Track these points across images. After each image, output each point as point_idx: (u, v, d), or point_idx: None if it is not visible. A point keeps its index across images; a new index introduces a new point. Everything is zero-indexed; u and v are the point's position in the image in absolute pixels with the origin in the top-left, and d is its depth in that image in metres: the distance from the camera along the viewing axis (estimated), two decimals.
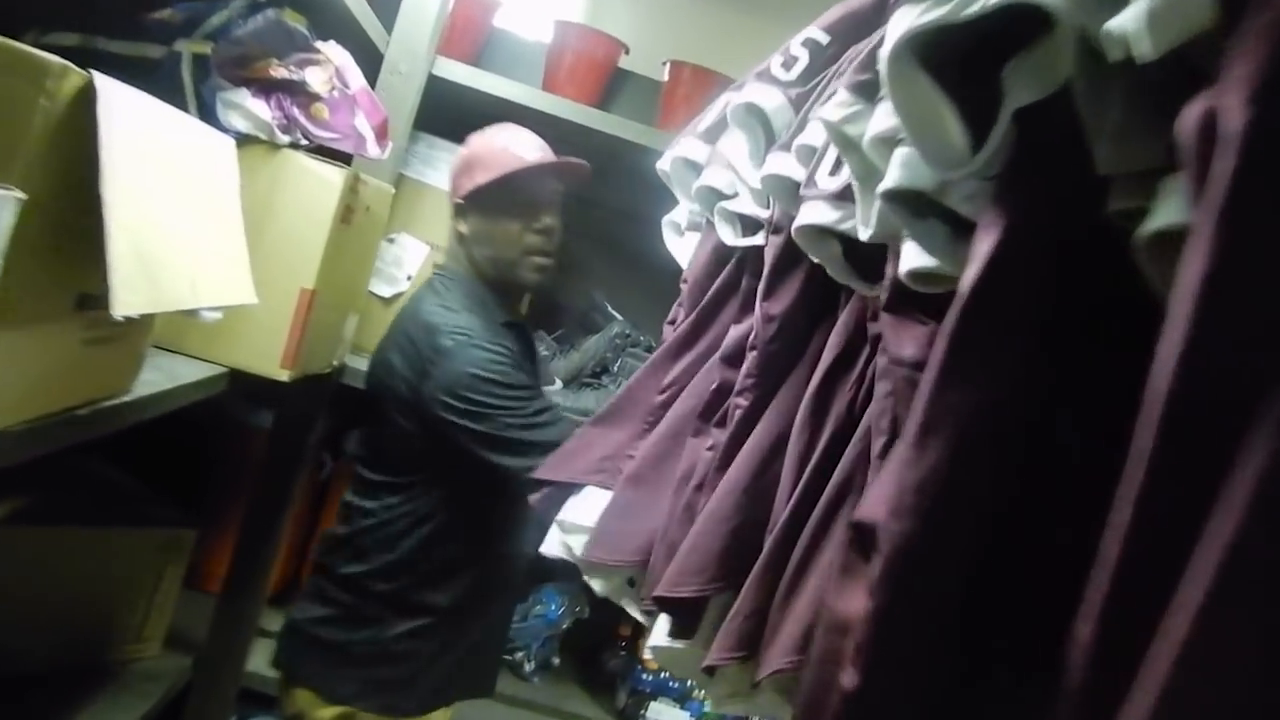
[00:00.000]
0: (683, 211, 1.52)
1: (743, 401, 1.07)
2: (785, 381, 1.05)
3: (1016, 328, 0.58)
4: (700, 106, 2.31)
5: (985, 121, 0.60)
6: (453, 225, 1.74)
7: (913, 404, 0.64)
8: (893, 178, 0.71)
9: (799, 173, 0.98)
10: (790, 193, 1.02)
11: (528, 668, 2.21)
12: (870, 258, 0.90)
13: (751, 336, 1.08)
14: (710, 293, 1.29)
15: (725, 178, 1.21)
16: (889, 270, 0.79)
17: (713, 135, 1.31)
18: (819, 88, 1.05)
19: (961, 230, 0.67)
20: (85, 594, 1.68)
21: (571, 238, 2.39)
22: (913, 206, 0.71)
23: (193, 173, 1.11)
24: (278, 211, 1.53)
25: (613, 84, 2.29)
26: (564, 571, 1.36)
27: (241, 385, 1.55)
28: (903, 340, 0.76)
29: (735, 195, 1.20)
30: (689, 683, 2.21)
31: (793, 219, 0.97)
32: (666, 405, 1.28)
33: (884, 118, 0.74)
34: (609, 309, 2.29)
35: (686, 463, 1.16)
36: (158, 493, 1.85)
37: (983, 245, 0.58)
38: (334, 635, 1.67)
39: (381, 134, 1.56)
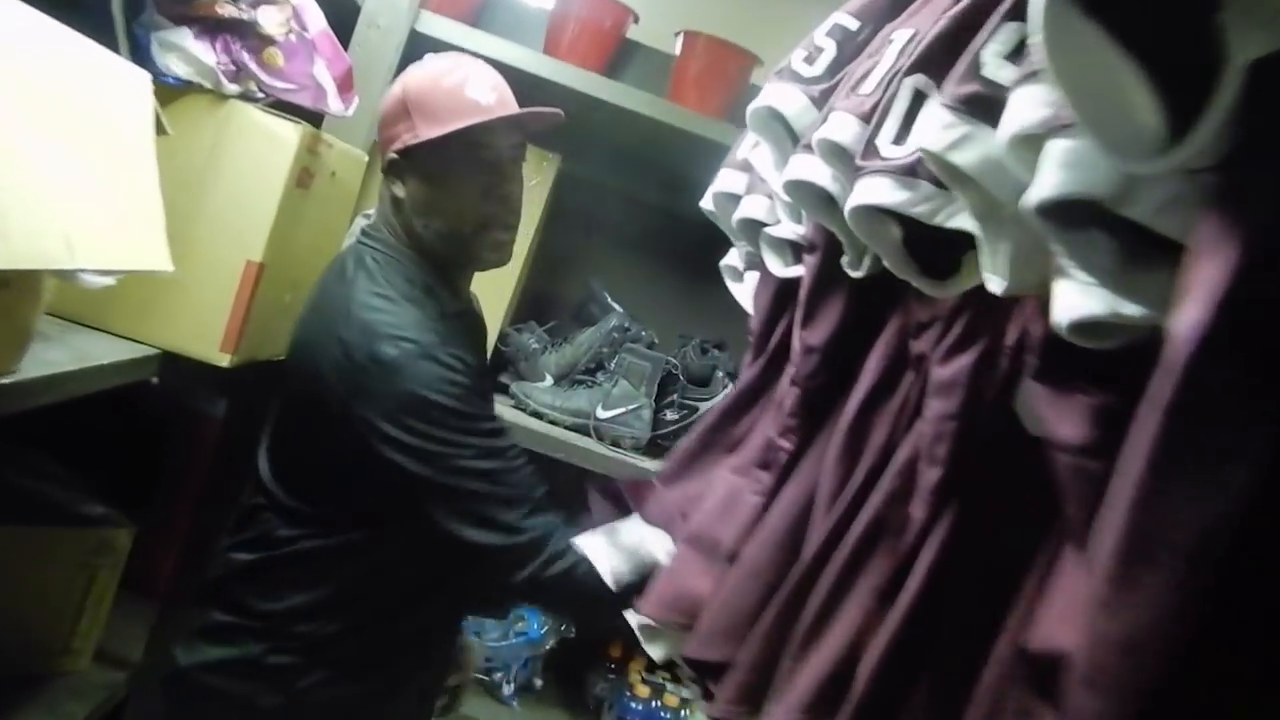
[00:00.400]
0: (738, 252, 1.33)
1: (786, 444, 0.98)
2: (830, 419, 0.94)
3: (1262, 396, 0.38)
4: (714, 83, 2.13)
5: (1192, 90, 0.41)
6: (384, 186, 1.35)
7: (1106, 517, 0.45)
8: (1049, 184, 0.51)
9: (824, 175, 0.87)
10: (819, 200, 0.90)
11: (506, 690, 2.02)
12: (936, 245, 0.77)
13: (792, 371, 0.98)
14: (777, 336, 1.14)
15: (763, 205, 1.10)
16: (1029, 324, 0.66)
17: (750, 163, 1.18)
18: (846, 78, 0.93)
19: (1143, 256, 0.47)
20: (2, 601, 1.49)
21: (570, 221, 2.22)
22: (1074, 224, 0.51)
23: (86, 110, 0.91)
24: (222, 172, 1.34)
25: (620, 56, 2.09)
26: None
27: (181, 371, 1.35)
28: (1062, 417, 0.61)
29: (778, 221, 1.06)
30: (682, 713, 2.01)
31: (827, 234, 0.87)
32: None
33: (1029, 107, 0.55)
34: (608, 300, 2.09)
35: (740, 515, 1.05)
36: (107, 490, 1.66)
37: (1209, 275, 0.39)
38: (235, 687, 1.30)
39: (345, 86, 1.36)
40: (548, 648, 2.06)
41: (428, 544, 1.26)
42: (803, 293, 0.96)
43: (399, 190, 1.33)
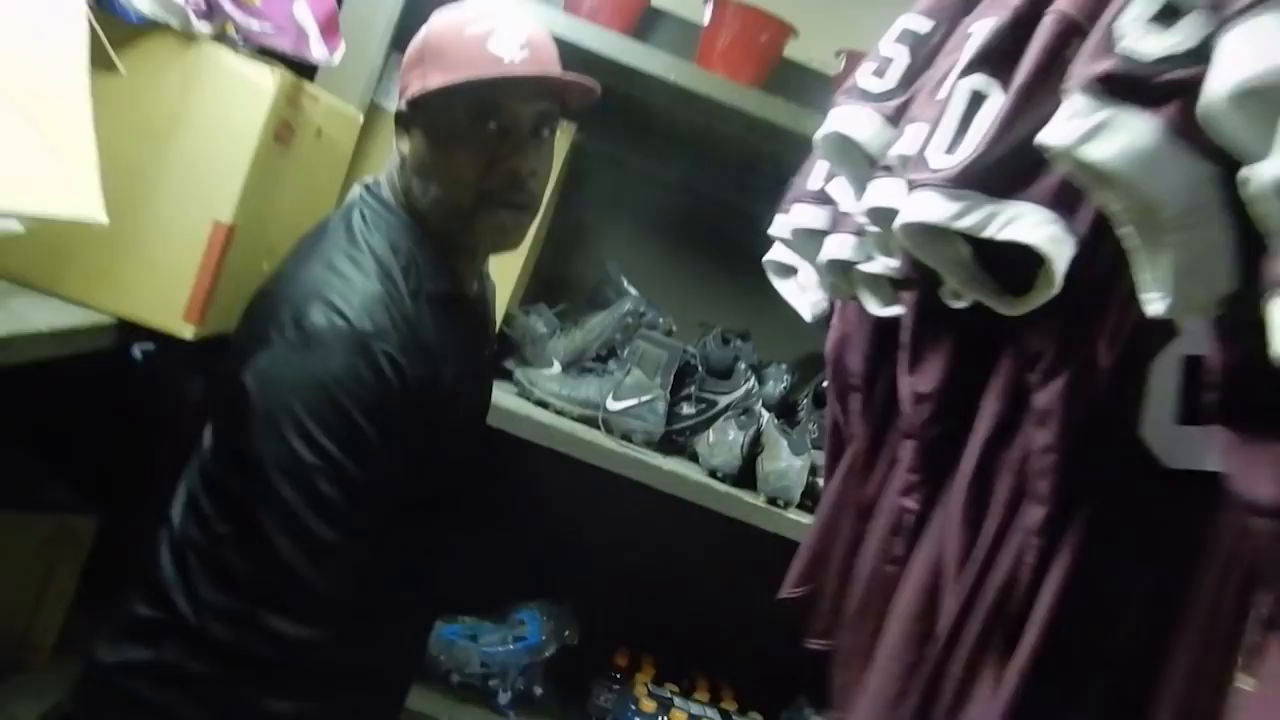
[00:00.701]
0: (808, 274, 1.23)
1: (910, 503, 0.89)
2: (956, 471, 0.85)
3: None
4: (745, 53, 1.98)
5: None
6: (394, 140, 1.20)
7: None
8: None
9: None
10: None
11: (502, 699, 1.88)
12: (1008, 260, 0.72)
13: (905, 422, 0.89)
14: (885, 380, 1.02)
15: (849, 243, 1.00)
16: (1210, 357, 0.56)
17: (828, 195, 1.08)
18: (924, 86, 0.86)
19: None
20: None
21: (586, 197, 2.08)
22: None
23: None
24: (189, 122, 1.20)
25: (644, 22, 1.94)
26: None
27: (171, 351, 1.22)
28: (1258, 472, 0.52)
29: (869, 258, 0.96)
30: None
31: (922, 265, 0.78)
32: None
33: (1257, 51, 0.45)
34: (624, 283, 1.94)
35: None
36: (82, 477, 1.54)
37: None
38: (153, 694, 1.10)
39: (329, 30, 1.22)
40: (548, 654, 1.92)
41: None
42: (904, 335, 0.88)
43: (404, 146, 1.17)
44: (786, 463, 1.66)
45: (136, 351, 1.65)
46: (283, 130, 1.25)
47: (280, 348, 1.05)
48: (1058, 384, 0.70)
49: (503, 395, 1.73)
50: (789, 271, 1.34)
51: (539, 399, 1.74)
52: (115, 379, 1.65)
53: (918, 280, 0.85)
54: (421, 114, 1.15)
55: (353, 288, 1.08)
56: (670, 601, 1.98)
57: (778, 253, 1.32)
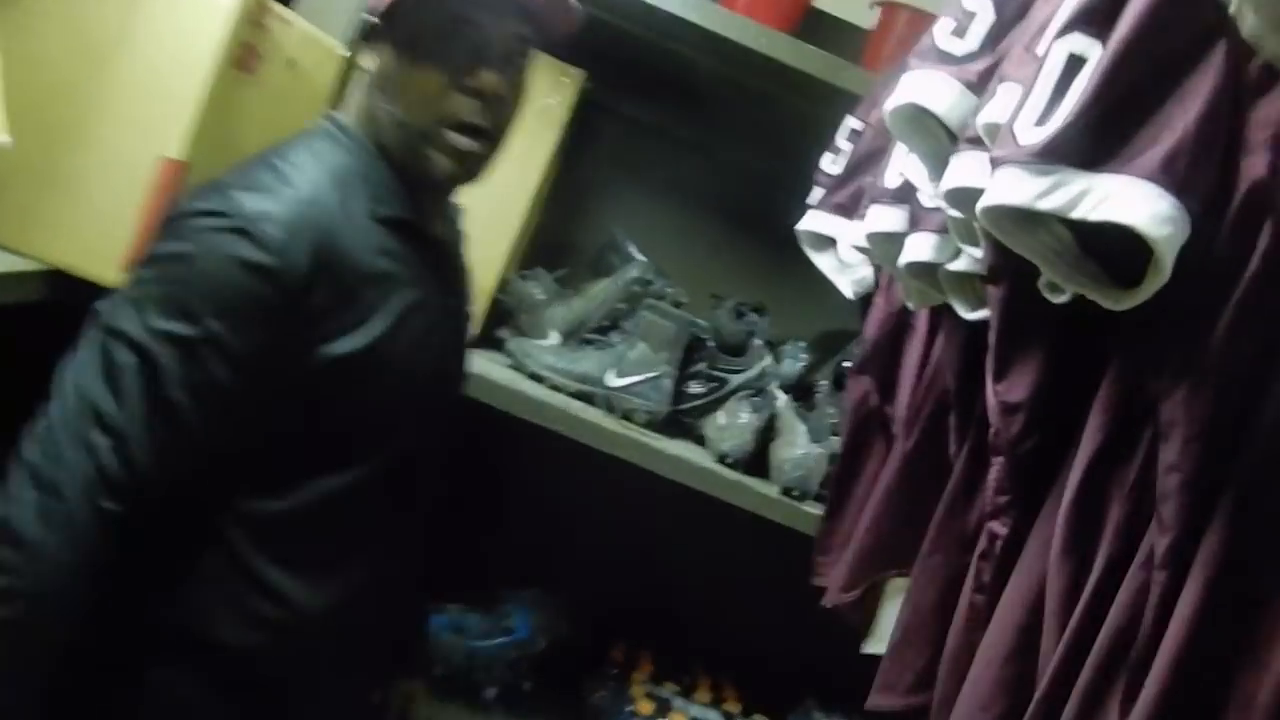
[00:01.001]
0: (849, 247, 1.16)
1: (1000, 528, 0.80)
2: (1053, 495, 0.75)
3: None
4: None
5: None
6: (362, 59, 1.09)
7: None
8: None
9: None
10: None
11: (487, 693, 1.74)
12: (1118, 247, 0.61)
13: (993, 436, 0.80)
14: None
15: (930, 242, 0.90)
16: None
17: (907, 192, 0.97)
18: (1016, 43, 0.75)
19: None
20: None
21: (593, 154, 1.92)
22: None
23: None
24: (136, 44, 1.05)
25: None
26: None
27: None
28: None
29: (956, 255, 0.85)
30: None
31: (1014, 256, 0.68)
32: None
33: None
34: (630, 248, 1.78)
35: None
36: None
37: None
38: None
39: None
40: (539, 649, 1.78)
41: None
42: (992, 336, 0.77)
43: (370, 63, 1.06)
44: (804, 450, 1.51)
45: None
46: (245, 55, 1.10)
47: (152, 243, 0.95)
48: (1180, 391, 0.59)
49: (493, 367, 1.58)
50: (826, 244, 1.22)
51: (533, 372, 1.58)
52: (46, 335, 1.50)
53: (1007, 271, 0.74)
54: (390, 27, 1.03)
55: (263, 187, 0.95)
56: (672, 595, 1.84)
57: (814, 222, 1.19)
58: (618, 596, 1.84)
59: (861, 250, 1.10)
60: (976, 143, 0.71)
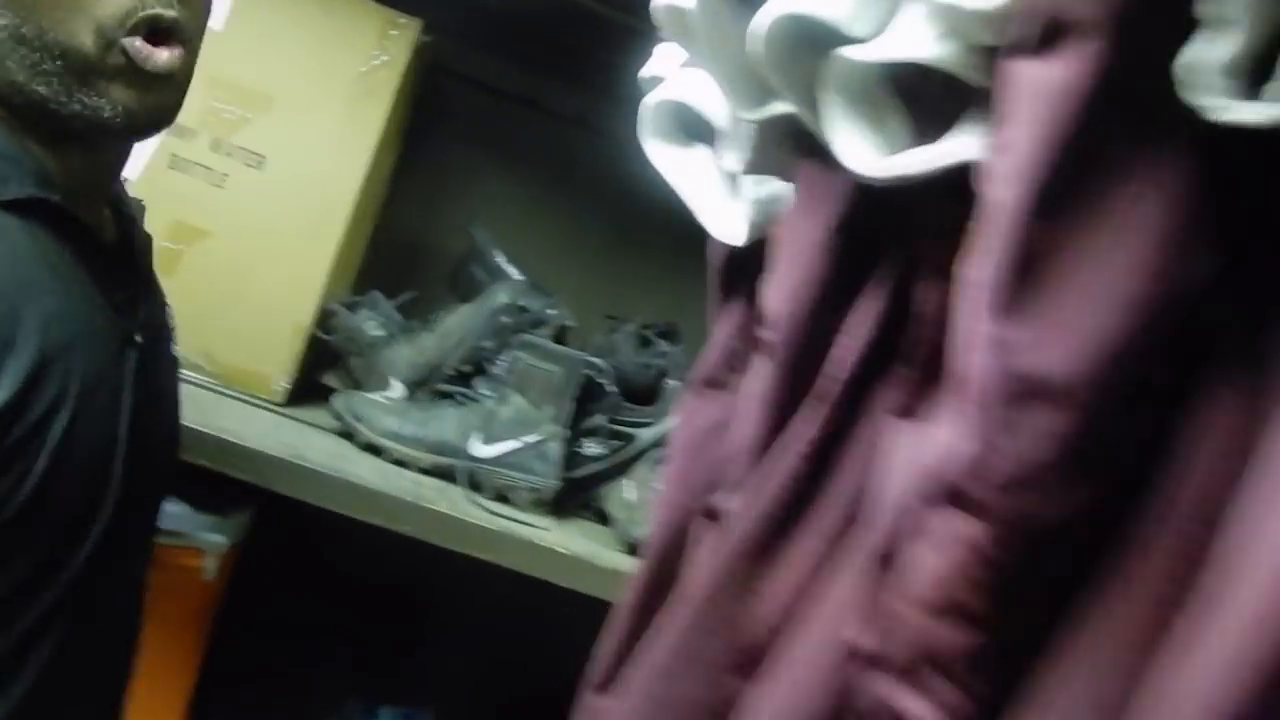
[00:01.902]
0: (736, 143, 0.60)
1: None
2: None
3: None
4: None
5: None
6: None
7: None
8: None
9: None
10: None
11: None
12: None
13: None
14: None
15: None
16: None
17: None
18: None
19: None
20: None
21: (440, 130, 1.47)
22: None
23: None
24: None
25: None
26: None
27: None
28: None
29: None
30: None
31: None
32: None
33: None
34: (497, 259, 1.35)
35: None
36: None
37: None
38: None
39: None
40: None
41: None
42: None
43: None
44: None
45: None
46: None
47: None
48: None
49: (310, 436, 1.13)
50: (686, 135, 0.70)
51: (368, 441, 1.14)
52: None
53: None
54: None
55: None
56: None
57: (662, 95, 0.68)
58: (501, 713, 1.42)
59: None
60: None
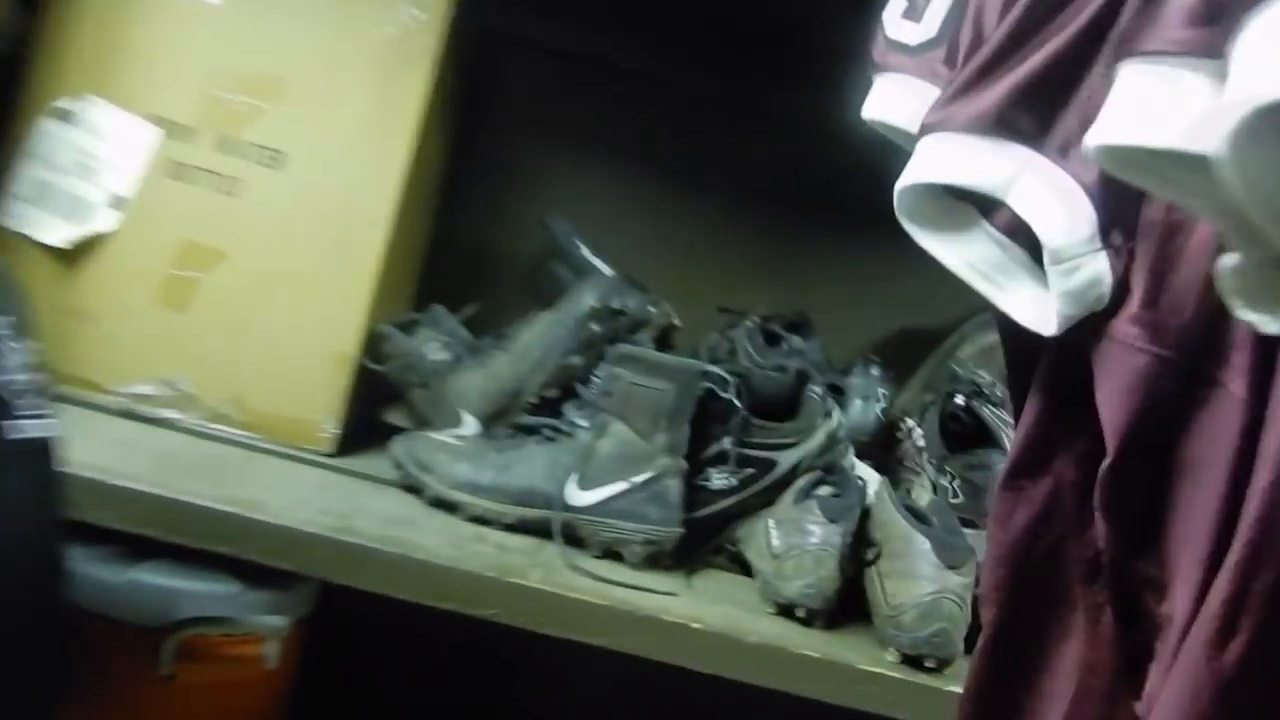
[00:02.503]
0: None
1: None
2: None
3: None
4: None
5: None
6: None
7: None
8: None
9: None
10: None
11: None
12: None
13: None
14: None
15: None
16: None
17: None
18: None
19: None
20: None
21: (496, 107, 1.23)
22: None
23: None
24: None
25: None
26: None
27: None
28: None
29: None
30: None
31: None
32: None
33: None
34: (582, 252, 1.10)
35: None
36: None
37: None
38: None
39: None
40: None
41: None
42: None
43: None
44: (933, 580, 0.84)
45: None
46: None
47: None
48: None
49: (368, 495, 0.90)
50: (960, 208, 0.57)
51: (438, 495, 0.90)
52: None
53: None
54: None
55: None
56: None
57: (918, 172, 0.52)
58: None
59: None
60: None
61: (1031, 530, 0.59)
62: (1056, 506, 0.58)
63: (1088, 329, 0.52)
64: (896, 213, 0.55)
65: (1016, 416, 0.61)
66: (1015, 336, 0.58)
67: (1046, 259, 0.50)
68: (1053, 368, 0.58)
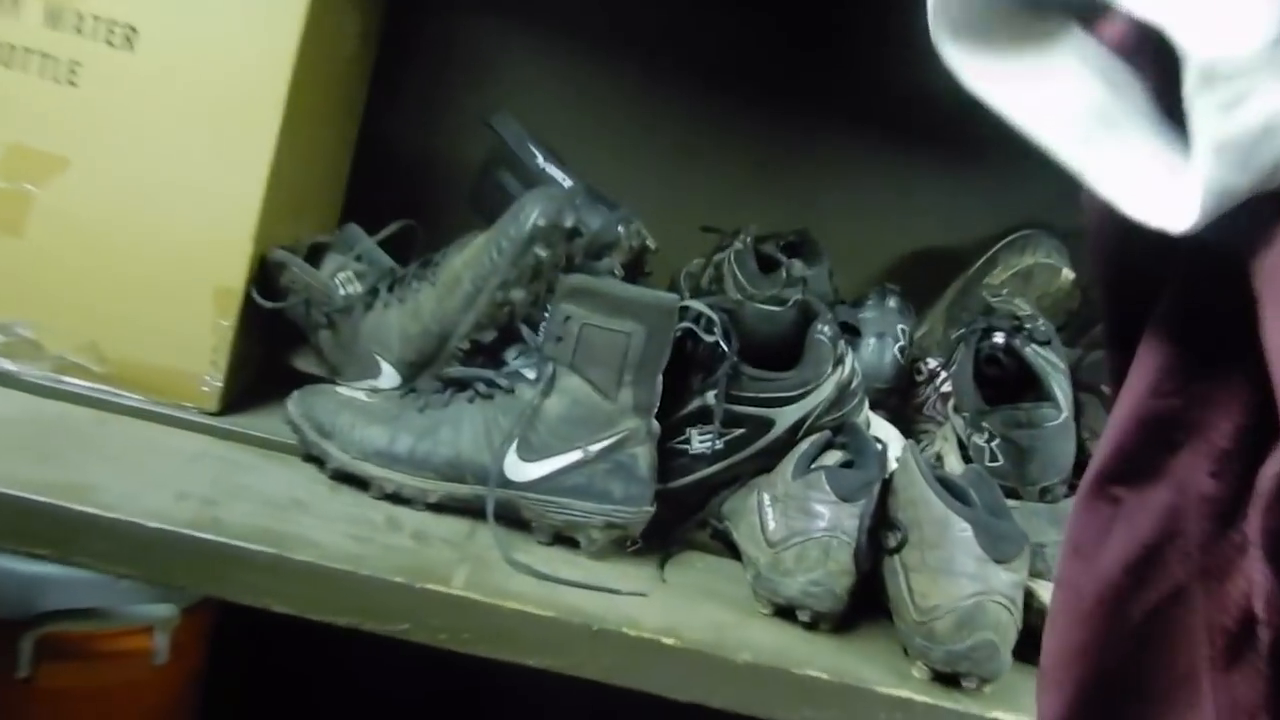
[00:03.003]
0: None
1: None
2: None
3: None
4: None
5: None
6: None
7: None
8: None
9: None
10: None
11: None
12: None
13: None
14: None
15: None
16: None
17: None
18: None
19: None
20: None
21: None
22: None
23: None
24: None
25: None
26: None
27: None
28: None
29: None
30: None
31: None
32: None
33: None
34: (535, 159, 0.90)
35: None
36: None
37: None
38: None
39: None
40: None
41: None
42: None
43: None
44: (975, 578, 0.65)
45: None
46: None
47: None
48: None
49: (253, 469, 0.70)
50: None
51: (341, 468, 0.71)
52: None
53: None
54: None
55: None
56: None
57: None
58: None
59: None
60: None
61: (1133, 570, 0.37)
62: (1178, 533, 0.37)
63: (1257, 222, 0.30)
64: (931, 26, 0.32)
65: (1115, 386, 0.40)
66: (1120, 245, 0.37)
67: (1190, 84, 0.28)
68: (1185, 302, 0.36)
